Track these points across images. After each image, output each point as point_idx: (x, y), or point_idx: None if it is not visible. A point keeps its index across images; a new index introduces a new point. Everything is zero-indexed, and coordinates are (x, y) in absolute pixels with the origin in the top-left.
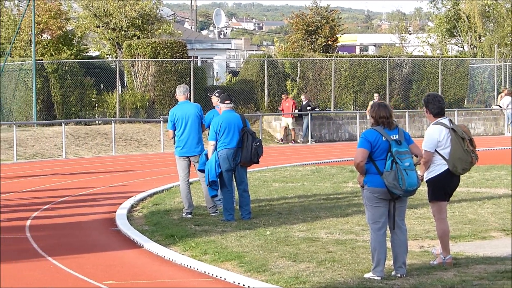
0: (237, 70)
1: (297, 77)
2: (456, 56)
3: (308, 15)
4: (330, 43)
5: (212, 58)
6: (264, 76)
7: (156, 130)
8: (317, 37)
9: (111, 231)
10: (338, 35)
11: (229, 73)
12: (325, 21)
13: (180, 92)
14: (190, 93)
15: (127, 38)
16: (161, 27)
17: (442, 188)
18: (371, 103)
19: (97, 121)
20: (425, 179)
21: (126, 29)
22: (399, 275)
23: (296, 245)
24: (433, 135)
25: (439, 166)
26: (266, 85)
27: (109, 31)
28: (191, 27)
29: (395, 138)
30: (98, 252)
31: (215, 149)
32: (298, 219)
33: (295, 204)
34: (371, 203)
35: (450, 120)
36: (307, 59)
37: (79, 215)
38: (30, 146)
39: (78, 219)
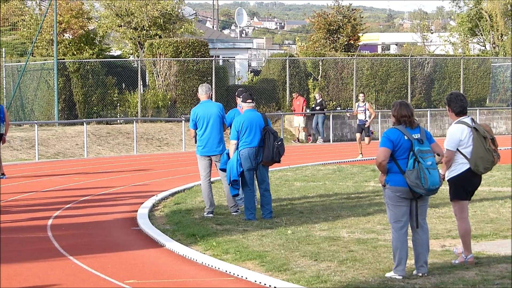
0: (259, 69)
1: (319, 76)
2: (478, 55)
3: (330, 14)
4: (352, 42)
5: (234, 57)
6: (285, 75)
7: (177, 130)
8: (339, 36)
9: (133, 231)
10: (360, 34)
11: (250, 72)
12: (347, 20)
13: (202, 91)
14: (212, 92)
15: (149, 38)
16: (183, 26)
17: (464, 187)
18: (357, 104)
19: (118, 121)
20: (446, 178)
21: (148, 28)
22: (420, 274)
23: (317, 244)
24: (455, 134)
25: (460, 165)
26: (287, 84)
27: (131, 30)
28: (213, 26)
29: (417, 137)
30: (119, 252)
31: (237, 148)
32: (319, 218)
33: (317, 203)
34: (392, 202)
35: (472, 119)
36: (328, 58)
37: (100, 215)
38: (52, 146)
39: (99, 218)
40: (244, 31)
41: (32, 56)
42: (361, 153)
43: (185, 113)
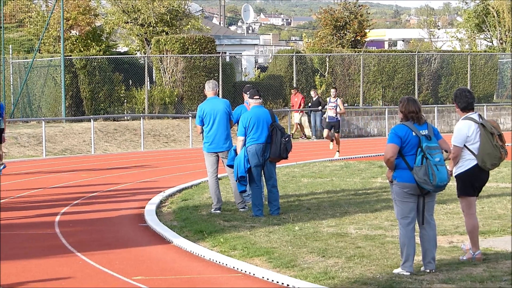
0: (266, 66)
1: (326, 73)
2: (485, 51)
3: (336, 10)
4: (359, 38)
5: (241, 53)
6: (292, 72)
7: (184, 126)
8: (345, 32)
9: (140, 227)
10: (366, 30)
11: (257, 69)
12: (353, 16)
13: (209, 87)
14: (218, 89)
15: (156, 34)
16: (190, 22)
17: (471, 183)
18: (328, 99)
19: (125, 117)
20: (454, 174)
21: (154, 25)
22: (428, 271)
23: (325, 240)
24: (462, 130)
25: (468, 161)
26: (294, 81)
27: (138, 27)
28: (220, 23)
29: (424, 133)
30: (127, 248)
31: (244, 144)
32: (327, 215)
33: (324, 200)
34: (400, 198)
35: (480, 115)
36: (335, 54)
37: (108, 211)
38: (59, 142)
39: (107, 214)
40: (250, 28)
41: (39, 52)
42: (338, 151)
43: (192, 109)
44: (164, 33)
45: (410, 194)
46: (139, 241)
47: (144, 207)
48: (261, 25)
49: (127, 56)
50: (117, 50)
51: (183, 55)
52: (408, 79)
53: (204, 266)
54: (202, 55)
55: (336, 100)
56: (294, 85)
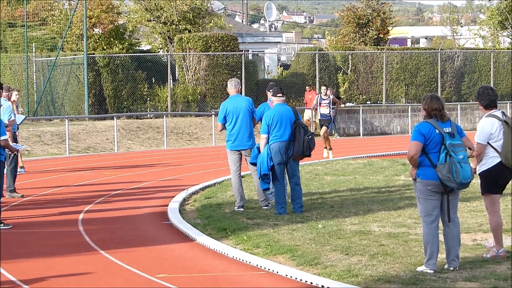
0: (288, 64)
1: (348, 70)
2: (508, 49)
3: (359, 8)
4: (381, 36)
5: (263, 51)
6: (315, 69)
7: (207, 124)
8: (368, 30)
9: (163, 225)
10: (389, 28)
11: (280, 67)
12: (376, 14)
13: (232, 85)
14: (241, 87)
15: (178, 32)
16: (212, 20)
17: (495, 180)
18: (317, 96)
19: (148, 115)
20: (477, 172)
21: (177, 23)
22: (452, 268)
23: (348, 238)
24: (485, 128)
25: (491, 159)
26: (317, 78)
27: (160, 25)
28: (242, 21)
29: (448, 130)
30: (150, 246)
31: (267, 142)
32: (350, 212)
33: (347, 197)
34: (423, 196)
35: (503, 113)
36: (358, 52)
37: (131, 209)
38: (82, 140)
39: (130, 212)
40: (273, 25)
41: (62, 51)
42: (330, 148)
43: (215, 107)
44: (187, 31)
45: (434, 191)
46: (162, 239)
47: (167, 205)
48: (283, 23)
49: (150, 54)
50: (140, 48)
51: (205, 53)
52: (431, 76)
53: (228, 264)
54: (224, 53)
55: (329, 97)
56: (317, 83)
